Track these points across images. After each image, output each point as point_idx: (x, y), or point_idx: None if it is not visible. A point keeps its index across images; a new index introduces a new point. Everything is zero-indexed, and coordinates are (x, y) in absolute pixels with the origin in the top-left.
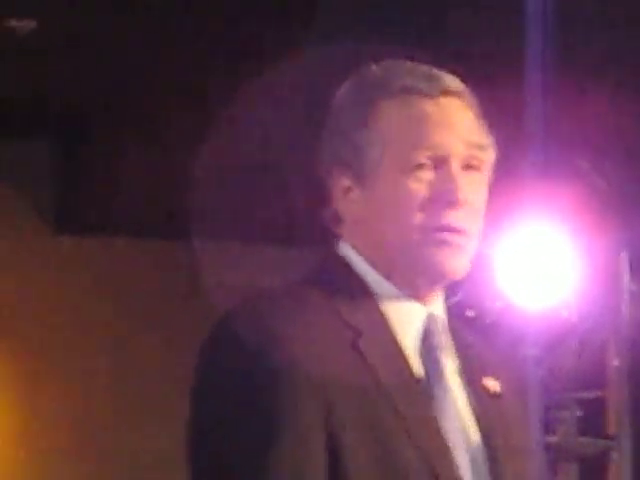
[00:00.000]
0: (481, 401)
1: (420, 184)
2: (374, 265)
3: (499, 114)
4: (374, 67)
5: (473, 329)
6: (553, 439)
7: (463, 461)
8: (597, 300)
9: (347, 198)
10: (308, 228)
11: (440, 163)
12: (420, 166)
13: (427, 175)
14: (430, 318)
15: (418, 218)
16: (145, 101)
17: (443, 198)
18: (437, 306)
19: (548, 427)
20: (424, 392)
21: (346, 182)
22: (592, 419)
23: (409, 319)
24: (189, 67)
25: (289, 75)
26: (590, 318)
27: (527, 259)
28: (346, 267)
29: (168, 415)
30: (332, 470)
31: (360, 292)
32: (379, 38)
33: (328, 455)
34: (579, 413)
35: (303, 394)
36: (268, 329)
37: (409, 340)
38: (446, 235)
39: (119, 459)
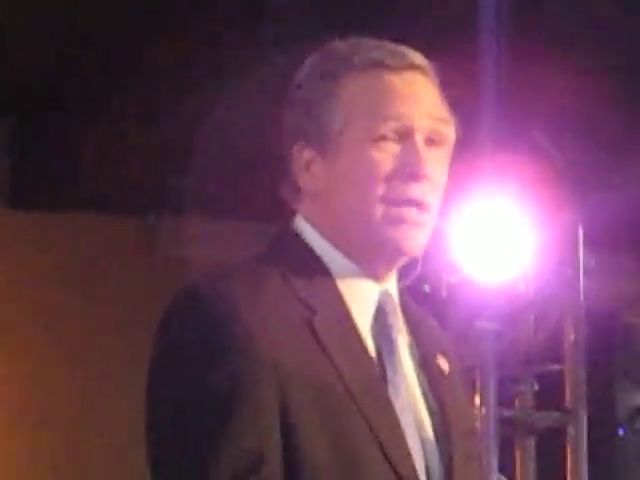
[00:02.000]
0: (432, 379)
1: (384, 155)
2: (332, 241)
3: (454, 84)
4: (338, 42)
5: (428, 304)
6: (510, 413)
7: (414, 440)
8: (553, 274)
9: (308, 171)
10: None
11: (404, 136)
12: (384, 138)
13: (391, 147)
14: (383, 296)
15: (381, 190)
16: (108, 68)
17: (407, 171)
18: (390, 283)
19: (505, 401)
20: (377, 371)
21: (307, 155)
22: (549, 393)
23: (364, 297)
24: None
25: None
26: (547, 292)
27: (483, 233)
28: (301, 243)
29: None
30: (284, 446)
31: (315, 269)
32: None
33: (281, 430)
34: (536, 387)
35: (258, 371)
36: (224, 306)
37: (363, 318)
38: (406, 211)
39: (86, 428)
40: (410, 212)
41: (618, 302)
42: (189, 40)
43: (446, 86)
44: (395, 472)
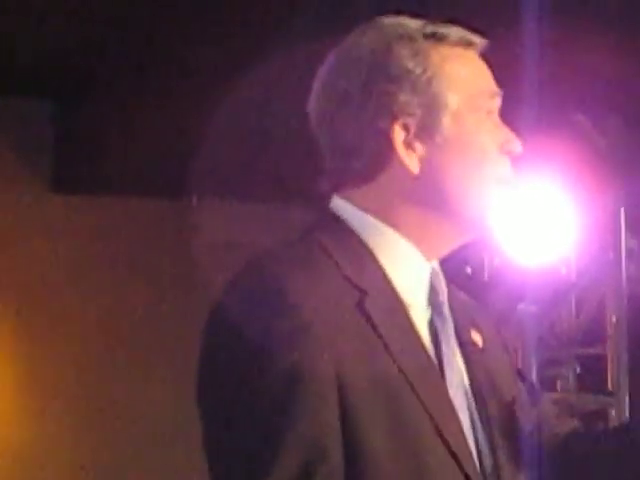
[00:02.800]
0: (470, 355)
1: (492, 133)
2: (391, 223)
3: (496, 66)
4: (403, 20)
5: (470, 286)
6: (552, 395)
7: (465, 418)
8: (595, 257)
9: (412, 149)
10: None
11: (492, 113)
12: (490, 114)
13: (492, 125)
14: (434, 274)
15: (489, 169)
16: (145, 58)
17: (509, 149)
18: (436, 261)
19: (547, 383)
20: (431, 355)
21: (412, 133)
22: (591, 375)
23: (415, 276)
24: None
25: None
26: (588, 275)
27: (526, 215)
28: (344, 225)
29: (164, 368)
30: (344, 434)
31: (360, 250)
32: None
33: (340, 419)
34: (578, 369)
35: (317, 360)
36: (276, 292)
37: (415, 297)
38: (503, 189)
39: (110, 407)
40: (505, 191)
41: None
42: (220, 27)
43: (489, 67)
44: (459, 465)
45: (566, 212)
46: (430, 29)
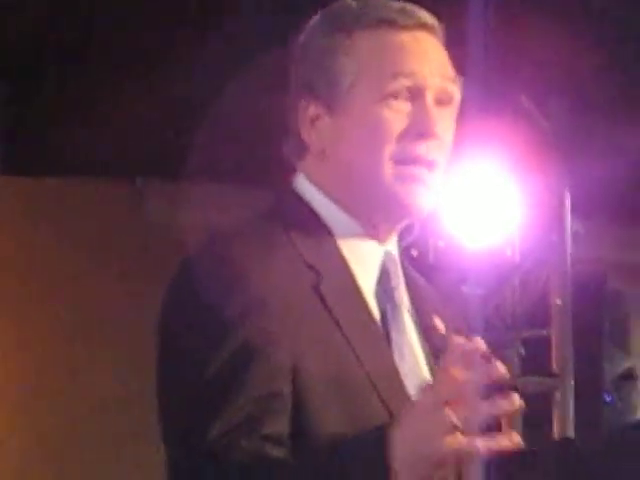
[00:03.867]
0: (431, 341)
1: (395, 114)
2: (336, 201)
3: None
4: (348, 1)
5: (415, 269)
6: None
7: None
8: (540, 239)
9: (315, 127)
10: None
11: (415, 95)
12: (395, 95)
13: (402, 106)
14: (387, 257)
15: (391, 149)
16: (97, 41)
17: (417, 129)
18: (392, 245)
19: None
20: (382, 333)
21: (315, 110)
22: (536, 358)
23: (368, 258)
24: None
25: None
26: (533, 257)
27: (470, 198)
28: (303, 204)
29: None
30: (295, 407)
31: (318, 230)
32: None
33: (292, 393)
34: (523, 352)
35: (270, 336)
36: (232, 269)
37: (367, 280)
38: (416, 170)
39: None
40: (420, 171)
41: (606, 268)
42: (169, 8)
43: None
44: None
45: (511, 194)
46: (360, 6)
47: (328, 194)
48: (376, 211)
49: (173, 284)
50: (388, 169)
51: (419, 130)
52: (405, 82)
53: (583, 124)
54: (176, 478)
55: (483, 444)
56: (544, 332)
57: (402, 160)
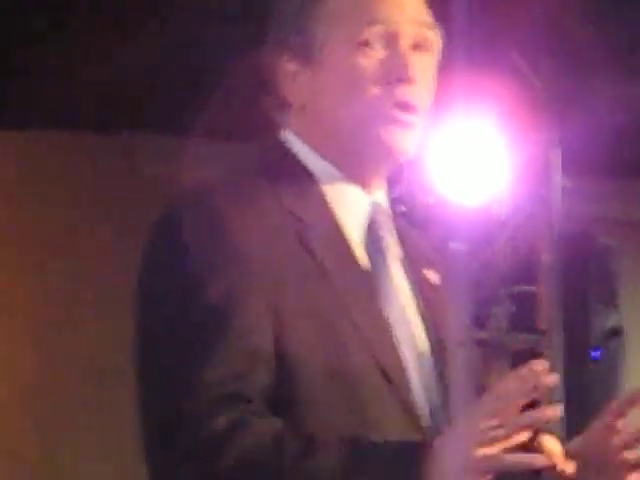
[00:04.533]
0: (423, 292)
1: (370, 60)
2: (320, 151)
3: (427, 3)
4: None
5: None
6: (485, 334)
7: (408, 352)
8: (529, 195)
9: (295, 82)
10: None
11: (390, 41)
12: (369, 43)
13: (377, 53)
14: (375, 207)
15: (369, 95)
16: None
17: (394, 75)
18: (381, 195)
19: (480, 322)
20: (369, 282)
21: (292, 66)
22: (524, 314)
23: (354, 208)
24: None
25: None
26: (521, 213)
27: (458, 154)
28: (289, 155)
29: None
30: (278, 352)
31: (304, 180)
32: None
33: (274, 338)
34: (511, 308)
35: (251, 284)
36: (214, 220)
37: (354, 229)
38: (397, 112)
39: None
40: (399, 114)
41: (594, 224)
42: None
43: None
44: (387, 379)
45: (500, 150)
46: None
47: (312, 146)
48: (359, 157)
49: (155, 231)
50: (367, 114)
51: (395, 75)
52: (379, 29)
53: (573, 80)
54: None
55: (522, 459)
56: (532, 289)
57: (381, 105)
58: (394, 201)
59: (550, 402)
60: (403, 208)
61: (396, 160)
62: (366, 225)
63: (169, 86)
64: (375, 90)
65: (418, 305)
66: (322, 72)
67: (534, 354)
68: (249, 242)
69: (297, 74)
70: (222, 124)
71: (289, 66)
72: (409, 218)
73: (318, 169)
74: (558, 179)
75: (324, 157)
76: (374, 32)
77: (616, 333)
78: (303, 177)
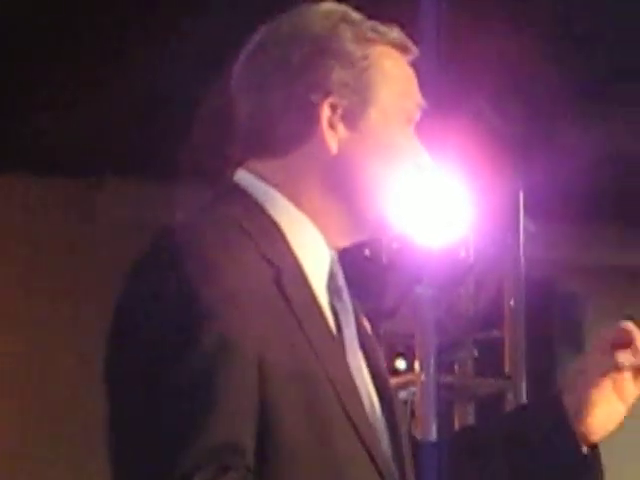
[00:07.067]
0: (365, 340)
1: (409, 140)
2: (302, 206)
3: None
4: (346, 9)
5: (369, 269)
6: (450, 379)
7: (366, 401)
8: (494, 240)
9: (333, 129)
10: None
11: (412, 122)
12: (411, 122)
13: (410, 132)
14: (333, 261)
15: (400, 173)
16: (52, 33)
17: (416, 162)
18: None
19: (445, 367)
20: (335, 332)
21: (339, 112)
22: (489, 359)
23: (319, 259)
24: None
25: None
26: (487, 258)
27: (424, 198)
28: (251, 200)
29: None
30: (262, 422)
31: (270, 227)
32: None
33: (259, 403)
34: (476, 353)
35: (241, 327)
36: (199, 264)
37: (318, 279)
38: (409, 199)
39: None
40: (410, 200)
41: (558, 269)
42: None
43: None
44: (368, 453)
45: (465, 194)
46: (372, 23)
47: (287, 195)
48: (346, 227)
49: (129, 287)
50: (399, 194)
51: (420, 162)
52: (418, 112)
53: (537, 125)
54: None
55: None
56: (498, 333)
57: (408, 189)
58: (359, 245)
59: None
60: (367, 252)
61: (380, 236)
62: (327, 275)
63: (135, 128)
64: (406, 169)
65: (364, 356)
66: (368, 133)
67: (499, 399)
68: (235, 284)
69: (340, 121)
70: (188, 166)
71: (336, 109)
72: (374, 262)
73: (284, 218)
74: (523, 223)
75: (302, 209)
76: (417, 114)
77: None
78: (268, 223)
